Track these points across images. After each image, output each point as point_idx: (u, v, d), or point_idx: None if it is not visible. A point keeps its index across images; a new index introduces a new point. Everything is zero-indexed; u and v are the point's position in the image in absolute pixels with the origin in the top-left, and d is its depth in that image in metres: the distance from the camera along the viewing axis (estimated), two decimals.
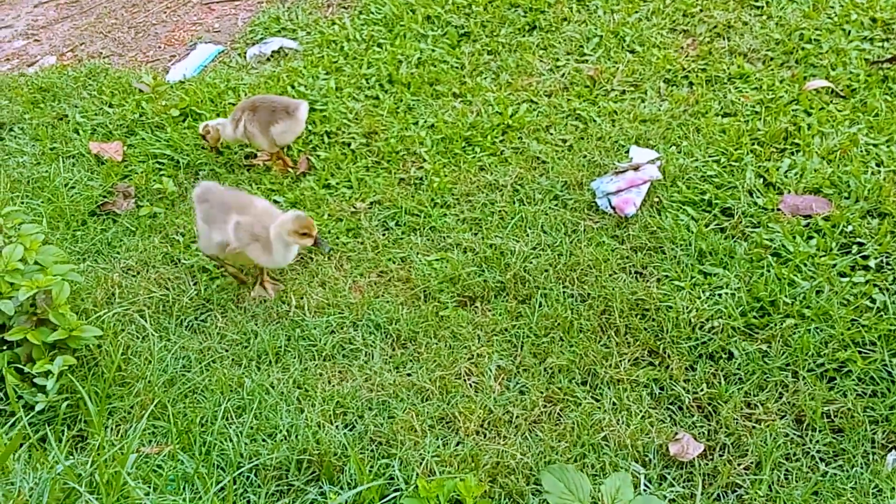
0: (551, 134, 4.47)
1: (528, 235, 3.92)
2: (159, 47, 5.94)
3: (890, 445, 2.90)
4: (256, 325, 3.75)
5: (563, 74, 4.79)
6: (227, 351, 3.67)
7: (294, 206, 4.33)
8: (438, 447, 3.08)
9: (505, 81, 4.82)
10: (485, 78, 4.87)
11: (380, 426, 3.20)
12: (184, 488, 2.97)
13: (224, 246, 3.77)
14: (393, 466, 3.01)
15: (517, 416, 3.20)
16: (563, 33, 5.02)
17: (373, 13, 5.44)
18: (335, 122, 4.74)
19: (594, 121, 4.47)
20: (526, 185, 4.18)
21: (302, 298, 3.84)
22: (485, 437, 3.15)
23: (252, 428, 3.24)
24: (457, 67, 4.97)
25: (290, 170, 4.53)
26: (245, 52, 5.57)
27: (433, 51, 5.09)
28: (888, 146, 4.01)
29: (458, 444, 3.12)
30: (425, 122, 4.66)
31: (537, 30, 5.10)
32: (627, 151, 4.21)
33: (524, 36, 5.08)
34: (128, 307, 3.92)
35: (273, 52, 5.42)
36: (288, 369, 3.51)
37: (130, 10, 6.46)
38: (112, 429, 3.38)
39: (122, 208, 4.56)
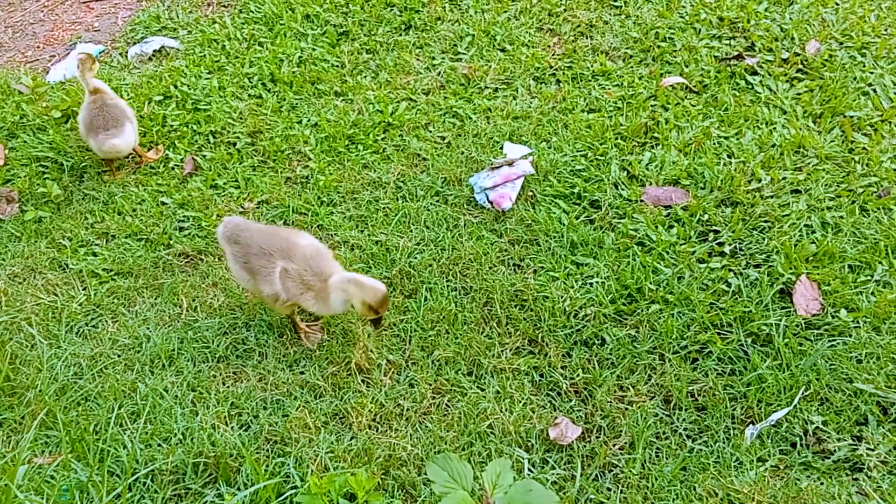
0: (430, 131, 4.34)
1: (411, 231, 3.80)
2: (38, 47, 5.43)
3: (748, 420, 2.96)
4: (148, 329, 3.49)
5: (440, 73, 4.66)
6: (119, 356, 3.40)
7: (182, 206, 4.05)
8: (332, 443, 2.94)
9: (384, 80, 4.65)
10: (365, 76, 4.69)
11: (274, 425, 3.04)
12: (77, 498, 2.73)
13: (275, 298, 3.19)
14: (288, 465, 2.85)
15: (407, 409, 3.10)
16: (437, 32, 4.88)
17: (252, 12, 5.14)
18: (220, 121, 4.46)
19: (470, 118, 4.37)
20: (408, 182, 4.05)
21: (194, 300, 3.60)
22: (377, 430, 3.03)
23: (147, 433, 3.03)
24: (337, 66, 4.76)
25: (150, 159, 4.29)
26: (126, 52, 5.16)
27: (314, 49, 4.85)
28: (737, 138, 4.09)
29: (351, 439, 2.99)
30: (309, 120, 4.44)
31: (413, 29, 4.94)
32: (502, 147, 4.13)
33: (401, 35, 4.91)
34: (15, 315, 3.58)
35: (155, 51, 5.05)
36: (182, 372, 3.29)
37: (6, 9, 5.88)
38: (2, 440, 3.08)
39: (6, 213, 4.16)
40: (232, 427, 3.03)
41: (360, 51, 4.85)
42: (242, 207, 4.00)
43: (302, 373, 3.23)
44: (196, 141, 4.39)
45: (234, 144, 4.34)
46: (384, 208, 3.94)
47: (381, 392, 3.15)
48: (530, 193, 3.93)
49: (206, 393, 3.16)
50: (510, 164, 3.98)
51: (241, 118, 4.47)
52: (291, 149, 4.29)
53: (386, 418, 3.07)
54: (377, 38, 4.91)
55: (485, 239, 3.73)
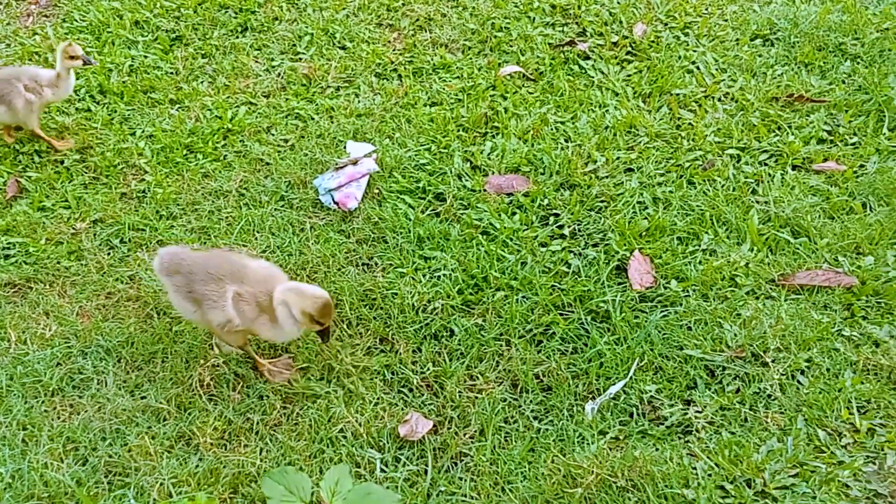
0: (272, 135, 4.26)
1: (256, 239, 3.72)
2: None
3: (590, 396, 3.06)
4: None
5: (280, 74, 4.58)
6: None
7: (7, 232, 3.81)
8: (176, 468, 2.85)
9: (222, 84, 4.53)
10: (201, 82, 4.55)
11: (114, 456, 2.91)
12: None
13: (228, 326, 2.97)
14: (128, 496, 2.74)
15: (257, 423, 3.04)
16: (275, 33, 4.80)
17: (77, 21, 4.88)
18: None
19: (313, 119, 4.32)
20: (251, 189, 3.96)
21: (24, 332, 3.40)
22: (226, 448, 2.96)
23: None
24: (171, 73, 4.60)
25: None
26: None
27: (145, 57, 4.66)
28: (573, 123, 4.22)
29: (199, 461, 2.91)
30: (143, 132, 4.27)
31: (250, 30, 4.83)
32: (345, 147, 4.11)
33: (237, 37, 4.79)
34: None
35: None
36: (11, 411, 3.10)
37: None
38: None
39: None
40: (67, 463, 2.88)
41: (195, 56, 4.70)
42: (74, 228, 3.81)
43: (143, 397, 3.11)
44: (20, 161, 4.14)
45: (62, 162, 4.12)
46: (227, 217, 3.84)
47: (228, 408, 3.07)
48: (376, 191, 3.93)
49: (38, 430, 2.99)
50: (354, 162, 3.97)
51: (68, 134, 4.24)
52: (125, 162, 4.11)
53: (235, 434, 3.01)
54: (212, 42, 4.77)
55: (332, 241, 3.71)
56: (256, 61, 4.68)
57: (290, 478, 2.21)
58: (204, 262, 3.00)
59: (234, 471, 2.84)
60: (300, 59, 4.68)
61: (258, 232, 3.76)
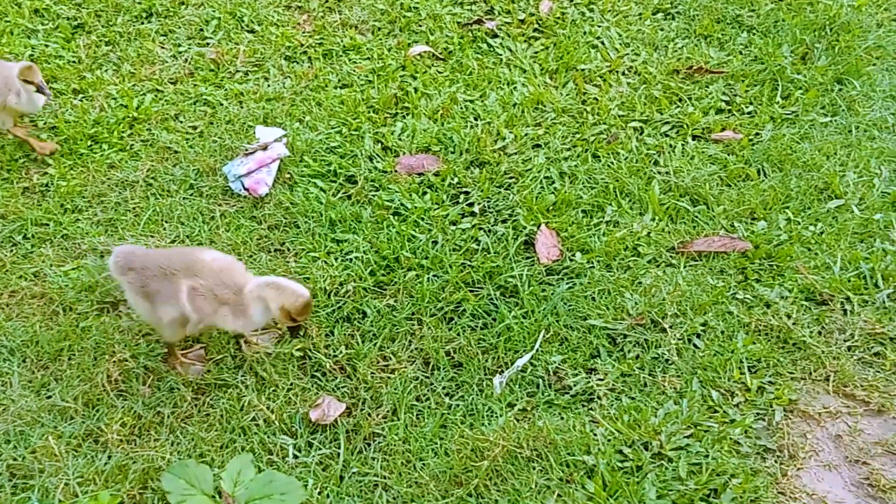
0: (181, 122, 4.15)
1: (164, 229, 3.63)
2: None
3: (499, 370, 3.09)
4: None
5: (187, 60, 4.46)
6: None
7: None
8: (82, 467, 2.78)
9: (127, 72, 4.38)
10: (105, 70, 4.39)
11: (18, 459, 2.82)
12: None
13: (181, 322, 2.90)
14: (32, 499, 2.67)
15: (168, 416, 2.98)
16: (181, 17, 4.65)
17: None
18: None
19: (222, 104, 4.21)
20: (159, 178, 3.86)
21: None
22: (135, 444, 2.89)
23: None
24: (74, 62, 4.42)
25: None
26: None
27: (46, 46, 4.48)
28: (482, 101, 4.21)
29: (108, 458, 2.84)
30: (45, 123, 4.11)
31: (155, 16, 4.67)
32: (255, 132, 4.02)
33: (142, 23, 4.64)
34: None
35: None
36: None
37: None
38: None
39: None
40: None
41: (98, 44, 4.54)
42: None
43: (49, 396, 3.02)
44: None
45: None
46: (134, 208, 3.73)
47: (138, 403, 3.01)
48: (287, 176, 3.87)
49: None
50: (264, 148, 3.89)
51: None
52: (27, 156, 3.95)
53: (145, 429, 2.94)
54: (116, 29, 4.60)
55: (243, 228, 3.64)
56: (162, 47, 4.54)
57: (190, 471, 2.18)
58: (157, 258, 2.94)
59: (143, 466, 2.78)
60: (207, 43, 4.56)
61: (167, 222, 3.67)
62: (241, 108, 4.20)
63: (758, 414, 2.82)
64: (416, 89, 4.26)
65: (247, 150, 3.89)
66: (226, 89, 4.31)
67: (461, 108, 4.16)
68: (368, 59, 4.47)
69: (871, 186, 3.71)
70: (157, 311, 2.90)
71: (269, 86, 4.32)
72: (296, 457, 2.84)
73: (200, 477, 2.18)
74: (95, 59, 4.46)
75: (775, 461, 2.69)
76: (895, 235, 3.49)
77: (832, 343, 3.04)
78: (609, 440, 2.72)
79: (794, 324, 3.09)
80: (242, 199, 3.77)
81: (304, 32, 4.63)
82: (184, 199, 3.77)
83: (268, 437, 2.89)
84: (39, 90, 3.79)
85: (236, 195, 3.79)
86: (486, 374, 3.09)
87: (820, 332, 3.09)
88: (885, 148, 3.91)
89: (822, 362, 2.98)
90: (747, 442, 2.72)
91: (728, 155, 3.88)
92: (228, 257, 3.04)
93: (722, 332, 3.08)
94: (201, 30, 4.63)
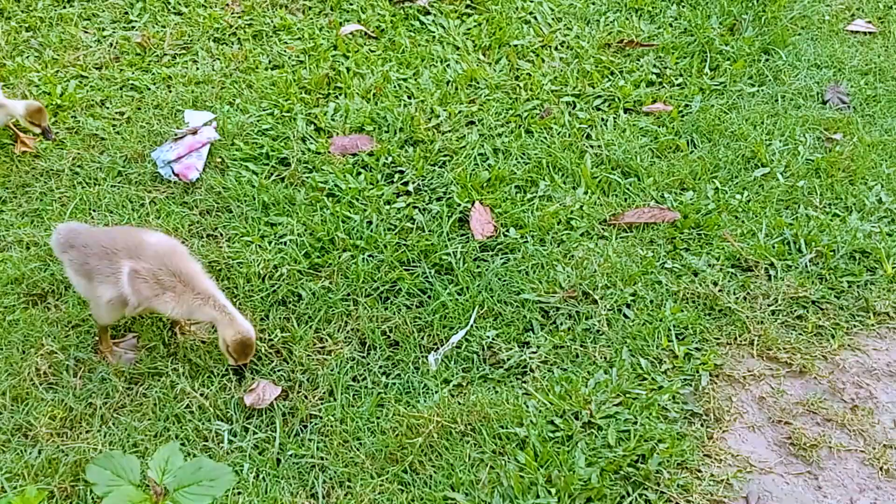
0: (107, 108, 4.05)
1: (93, 218, 3.56)
2: None
3: (434, 348, 3.10)
4: None
5: (112, 44, 4.35)
6: None
7: None
8: (10, 462, 2.72)
9: (50, 58, 4.25)
10: (27, 57, 4.26)
11: None
12: None
13: (120, 304, 2.84)
14: None
15: (100, 407, 2.93)
16: (105, 1, 4.53)
17: None
18: None
19: (149, 89, 4.13)
20: (86, 166, 3.77)
21: None
22: (66, 436, 2.85)
23: None
24: None
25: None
26: None
27: None
28: (416, 79, 4.19)
29: (38, 452, 2.79)
30: None
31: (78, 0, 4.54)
32: (184, 116, 3.95)
33: (64, 7, 4.50)
34: None
35: None
36: None
37: None
38: None
39: None
40: None
41: (18, 29, 4.39)
42: None
43: None
44: None
45: None
46: (61, 198, 3.65)
47: (69, 395, 2.95)
48: (218, 160, 3.81)
49: None
50: (194, 132, 3.83)
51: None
52: None
53: (77, 421, 2.90)
54: (37, 14, 4.46)
55: (175, 214, 3.58)
56: (86, 32, 4.42)
57: (116, 462, 2.14)
58: (99, 237, 2.90)
59: (75, 458, 2.74)
60: (133, 27, 4.45)
61: (94, 210, 3.59)
62: (170, 92, 4.12)
63: (685, 380, 2.89)
64: (348, 69, 4.23)
65: (176, 134, 3.82)
66: (153, 73, 4.22)
67: (394, 87, 4.14)
68: (299, 39, 4.41)
69: (795, 154, 3.80)
70: (97, 291, 2.87)
71: (197, 69, 4.24)
72: (231, 442, 2.83)
73: (127, 467, 2.14)
74: (16, 46, 4.33)
75: (701, 425, 2.76)
76: (818, 201, 3.59)
77: (756, 308, 3.13)
78: (541, 411, 2.76)
79: (720, 291, 3.17)
80: (173, 185, 3.71)
81: (232, 13, 4.55)
82: (112, 186, 3.69)
83: (202, 423, 2.87)
84: (44, 134, 3.69)
85: (166, 181, 3.73)
86: (422, 352, 3.10)
87: (745, 298, 3.17)
88: (810, 116, 4.01)
89: (746, 327, 3.06)
90: (674, 407, 2.79)
91: (659, 127, 3.93)
92: (173, 240, 3.01)
93: (651, 302, 3.14)
94: (126, 13, 4.52)
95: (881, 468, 2.72)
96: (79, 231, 2.95)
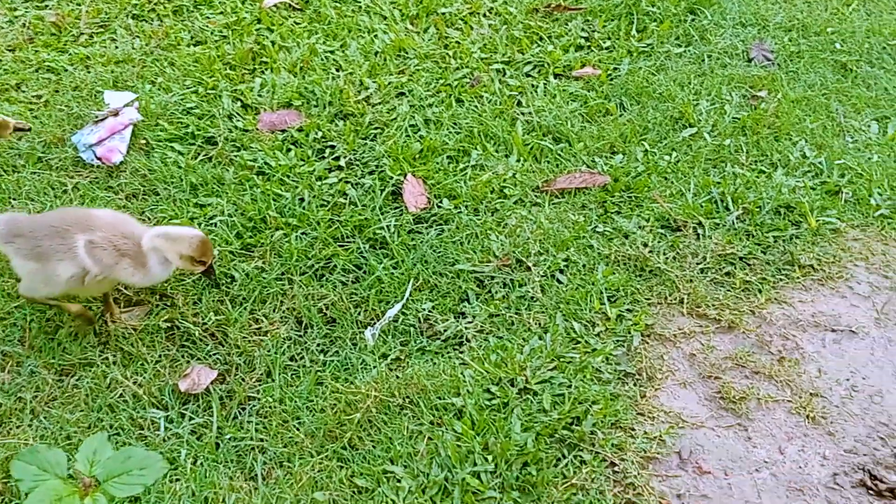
0: (23, 92, 3.91)
1: (13, 207, 3.44)
2: None
3: (370, 323, 3.10)
4: None
5: (25, 24, 4.18)
6: None
7: None
8: None
9: None
10: None
11: None
12: None
13: (80, 278, 2.81)
14: None
15: (30, 401, 2.87)
16: None
17: None
18: None
19: (67, 70, 3.99)
20: (3, 153, 3.64)
21: None
22: None
23: None
24: None
25: None
26: None
27: None
28: (343, 51, 4.13)
29: None
30: None
31: None
32: (104, 98, 3.83)
33: None
34: None
35: None
36: None
37: None
38: None
39: None
40: None
41: None
42: None
43: None
44: None
45: None
46: None
47: None
48: (142, 141, 3.72)
49: None
50: (115, 114, 3.72)
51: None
52: None
53: (6, 417, 2.83)
54: None
55: (99, 199, 3.49)
56: None
57: (41, 456, 2.11)
58: (45, 219, 2.89)
59: (5, 454, 2.68)
60: (46, 6, 4.29)
61: (14, 199, 3.48)
62: (89, 73, 3.99)
63: (617, 341, 2.94)
64: (273, 42, 4.15)
65: (97, 117, 3.71)
66: (70, 54, 4.08)
67: (322, 60, 4.08)
68: (221, 13, 4.31)
69: (722, 113, 3.87)
70: (56, 270, 2.83)
71: (116, 48, 4.11)
72: (168, 429, 2.80)
73: (53, 460, 2.11)
74: None
75: (634, 384, 2.83)
76: (745, 159, 3.66)
77: (686, 267, 3.19)
78: (477, 381, 2.79)
79: (650, 252, 3.23)
80: (96, 170, 3.61)
81: None
82: (32, 173, 3.57)
83: (137, 412, 2.83)
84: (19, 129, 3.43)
85: (89, 165, 3.62)
86: (359, 328, 3.10)
87: (674, 258, 3.23)
88: (736, 74, 4.07)
89: (676, 286, 3.13)
90: (608, 369, 2.84)
91: (588, 91, 3.96)
92: (120, 213, 3.02)
93: (584, 266, 3.18)
94: None
95: (808, 416, 2.82)
96: (20, 220, 2.93)
